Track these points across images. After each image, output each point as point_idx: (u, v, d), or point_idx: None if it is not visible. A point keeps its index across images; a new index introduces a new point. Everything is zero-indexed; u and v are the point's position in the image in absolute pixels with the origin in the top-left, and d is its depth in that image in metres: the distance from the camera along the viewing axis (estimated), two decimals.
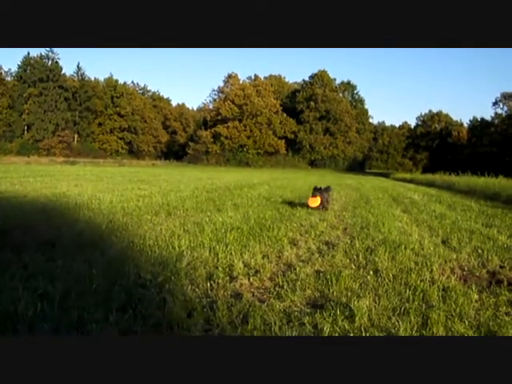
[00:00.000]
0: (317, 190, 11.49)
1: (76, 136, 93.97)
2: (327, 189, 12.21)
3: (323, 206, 11.49)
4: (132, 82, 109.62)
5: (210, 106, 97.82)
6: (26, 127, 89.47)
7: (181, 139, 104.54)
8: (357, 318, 3.85)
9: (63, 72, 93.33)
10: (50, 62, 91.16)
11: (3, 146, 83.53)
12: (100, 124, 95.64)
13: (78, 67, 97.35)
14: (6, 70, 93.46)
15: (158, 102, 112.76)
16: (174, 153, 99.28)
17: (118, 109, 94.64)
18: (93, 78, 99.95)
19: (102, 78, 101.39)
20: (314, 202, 11.37)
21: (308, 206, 11.54)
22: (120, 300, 4.07)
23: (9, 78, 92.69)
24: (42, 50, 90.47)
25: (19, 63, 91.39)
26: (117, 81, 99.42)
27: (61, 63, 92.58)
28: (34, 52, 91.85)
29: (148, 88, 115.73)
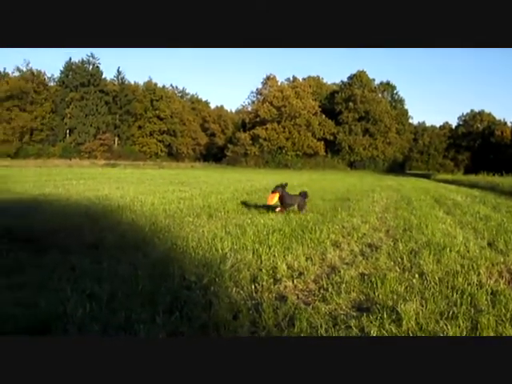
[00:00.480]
0: (277, 187, 10.72)
1: (116, 139, 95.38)
2: (303, 194, 11.38)
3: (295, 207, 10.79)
4: (171, 85, 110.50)
5: (249, 108, 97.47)
6: (68, 131, 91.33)
7: (219, 141, 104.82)
8: (404, 322, 3.80)
9: (104, 76, 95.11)
10: (91, 66, 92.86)
11: (46, 149, 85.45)
12: (140, 127, 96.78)
13: (118, 71, 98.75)
14: (49, 75, 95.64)
15: (196, 104, 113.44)
16: (213, 155, 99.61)
17: (157, 112, 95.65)
18: (132, 82, 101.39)
19: (141, 82, 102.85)
20: (272, 199, 10.69)
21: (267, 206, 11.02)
22: (166, 301, 4.12)
23: (52, 83, 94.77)
24: (83, 55, 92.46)
25: (61, 69, 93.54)
26: (156, 84, 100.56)
27: (101, 68, 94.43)
28: (76, 57, 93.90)
29: (187, 91, 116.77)
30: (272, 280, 5.02)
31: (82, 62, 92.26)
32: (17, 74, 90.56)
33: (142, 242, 6.82)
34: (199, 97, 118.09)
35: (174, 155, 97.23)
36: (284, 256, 6.07)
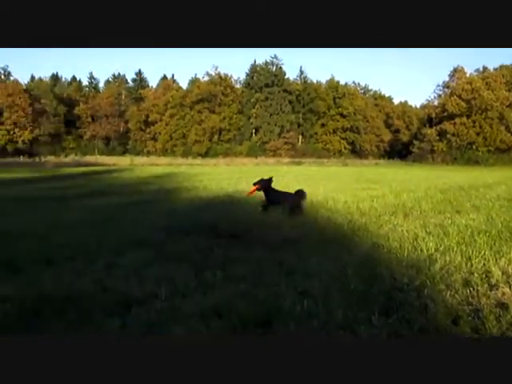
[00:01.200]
0: (260, 180, 10.27)
1: (300, 137, 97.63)
2: (300, 194, 10.26)
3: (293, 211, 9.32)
4: (353, 82, 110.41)
5: (435, 103, 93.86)
6: (253, 130, 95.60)
7: (404, 138, 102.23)
8: None
9: (287, 76, 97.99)
10: (275, 67, 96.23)
11: (234, 148, 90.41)
12: (323, 125, 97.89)
13: (301, 71, 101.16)
14: (236, 78, 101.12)
15: (379, 100, 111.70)
16: (397, 152, 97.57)
17: (340, 109, 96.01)
18: (315, 81, 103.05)
19: (323, 80, 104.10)
20: (251, 191, 10.38)
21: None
22: (380, 302, 4.09)
23: (238, 86, 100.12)
24: (267, 58, 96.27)
25: (247, 71, 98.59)
26: (338, 82, 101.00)
27: (284, 68, 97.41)
28: (260, 59, 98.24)
29: (369, 87, 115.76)
30: (487, 285, 4.73)
31: (266, 63, 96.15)
32: (206, 78, 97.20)
33: (343, 239, 6.86)
34: (382, 93, 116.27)
35: (357, 152, 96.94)
36: (496, 260, 5.68)
